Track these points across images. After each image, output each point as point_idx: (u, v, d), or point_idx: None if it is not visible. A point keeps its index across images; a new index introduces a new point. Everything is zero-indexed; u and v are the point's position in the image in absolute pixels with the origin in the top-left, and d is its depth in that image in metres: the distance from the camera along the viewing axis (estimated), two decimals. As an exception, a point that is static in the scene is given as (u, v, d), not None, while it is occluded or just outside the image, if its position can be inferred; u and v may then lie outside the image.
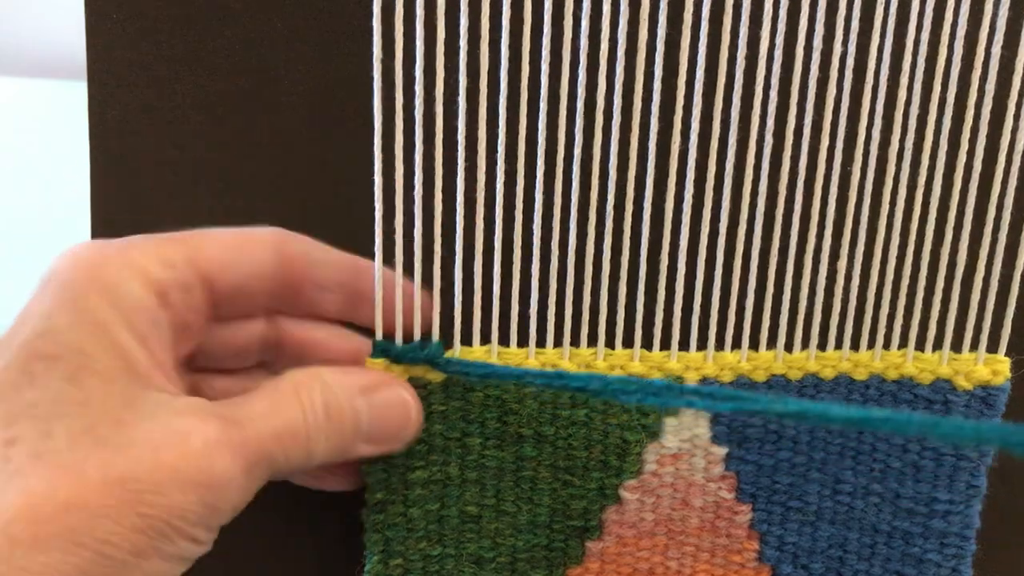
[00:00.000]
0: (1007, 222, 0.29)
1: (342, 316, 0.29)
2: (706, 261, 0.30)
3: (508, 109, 0.28)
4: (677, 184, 0.29)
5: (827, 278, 0.30)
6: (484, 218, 0.29)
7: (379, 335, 0.29)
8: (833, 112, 0.29)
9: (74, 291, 0.23)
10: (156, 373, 0.24)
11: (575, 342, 0.30)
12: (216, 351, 0.28)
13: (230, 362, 0.29)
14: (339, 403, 0.26)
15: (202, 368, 0.29)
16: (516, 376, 0.28)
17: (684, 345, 0.30)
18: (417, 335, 0.29)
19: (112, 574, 0.22)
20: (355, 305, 0.29)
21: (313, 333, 0.29)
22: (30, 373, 0.23)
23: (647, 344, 0.30)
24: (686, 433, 0.31)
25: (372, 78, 0.27)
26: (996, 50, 0.28)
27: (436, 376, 0.29)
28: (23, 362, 0.23)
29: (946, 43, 0.28)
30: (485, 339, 0.30)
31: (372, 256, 0.28)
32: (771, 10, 0.28)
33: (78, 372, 0.23)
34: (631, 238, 0.29)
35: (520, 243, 0.29)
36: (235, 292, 0.27)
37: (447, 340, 0.29)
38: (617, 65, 0.28)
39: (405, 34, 0.27)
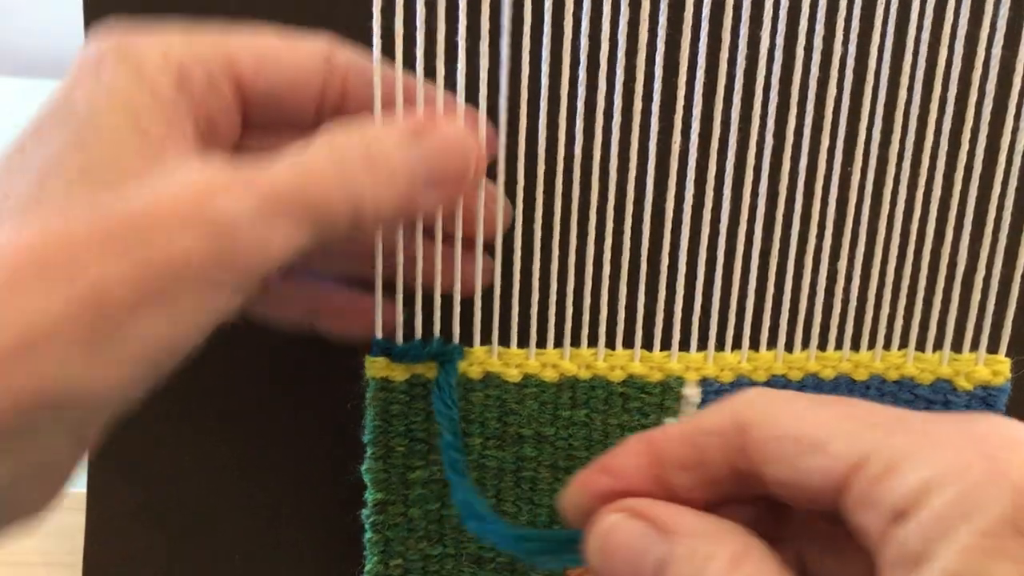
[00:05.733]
0: (1007, 222, 0.29)
1: None
2: (706, 261, 0.30)
3: (508, 109, 0.28)
4: (677, 184, 0.29)
5: (827, 278, 0.30)
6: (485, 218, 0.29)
7: (379, 333, 0.29)
8: (833, 112, 0.29)
9: (95, 64, 0.22)
10: (170, 144, 0.22)
11: (576, 342, 0.30)
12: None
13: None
14: (381, 146, 0.23)
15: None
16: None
17: (684, 345, 0.30)
18: (416, 330, 0.29)
19: (99, 324, 0.19)
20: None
21: None
22: (38, 138, 0.21)
23: (647, 344, 0.30)
24: (686, 433, 0.31)
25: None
26: (996, 50, 0.28)
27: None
28: (35, 129, 0.22)
29: (946, 43, 0.28)
30: (486, 339, 0.30)
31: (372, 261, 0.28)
32: (771, 10, 0.28)
33: (83, 128, 0.21)
34: (631, 238, 0.29)
35: (520, 243, 0.29)
36: (271, 98, 0.24)
37: (447, 339, 0.29)
38: (617, 65, 0.28)
39: (405, 34, 0.27)
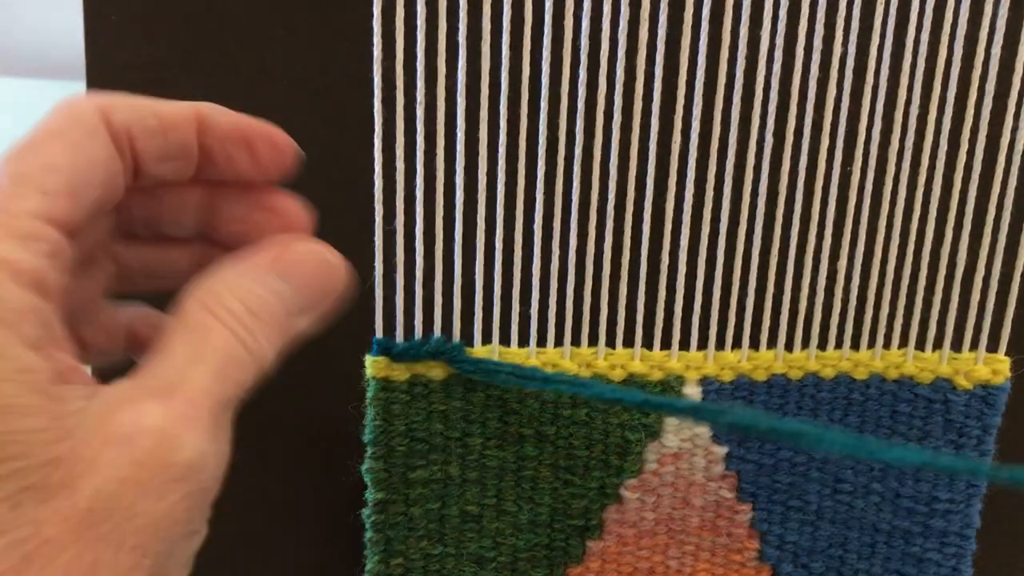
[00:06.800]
0: (1007, 222, 0.29)
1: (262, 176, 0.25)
2: (706, 261, 0.30)
3: (509, 109, 0.28)
4: (677, 184, 0.29)
5: (827, 278, 0.30)
6: (485, 218, 0.29)
7: (379, 332, 0.29)
8: (833, 112, 0.29)
9: None
10: (66, 377, 0.20)
11: (576, 341, 0.30)
12: (146, 221, 0.25)
13: (167, 229, 0.25)
14: (257, 294, 0.22)
15: (135, 236, 0.25)
16: (532, 379, 0.29)
17: (685, 344, 0.30)
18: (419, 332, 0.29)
19: None
20: (206, 169, 0.24)
21: (249, 212, 0.25)
22: None
23: (647, 344, 0.30)
24: (687, 432, 0.31)
25: (372, 78, 0.27)
26: (996, 50, 0.28)
27: (437, 374, 0.29)
28: None
29: (946, 43, 0.28)
30: (486, 339, 0.30)
31: (373, 260, 0.28)
32: (771, 10, 0.28)
33: None
34: (631, 238, 0.29)
35: (521, 242, 0.29)
36: (94, 210, 0.22)
37: (447, 339, 0.29)
38: (617, 65, 0.28)
39: (405, 34, 0.27)
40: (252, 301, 0.22)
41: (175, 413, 0.20)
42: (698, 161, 0.29)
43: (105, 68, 0.31)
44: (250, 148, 0.24)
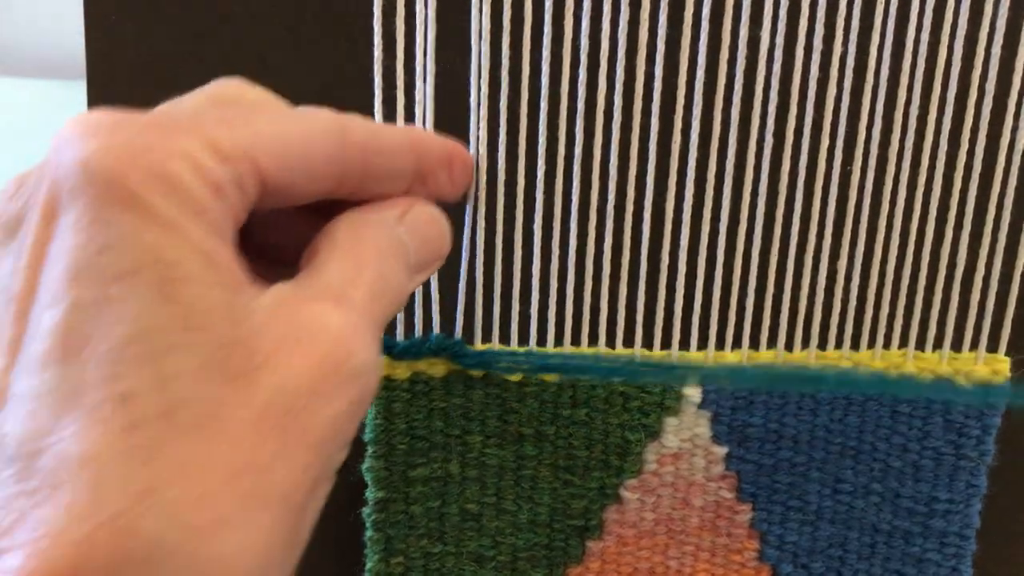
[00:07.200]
0: (1007, 221, 0.29)
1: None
2: (706, 261, 0.30)
3: (509, 109, 0.28)
4: (677, 184, 0.29)
5: (827, 278, 0.30)
6: (485, 217, 0.29)
7: None
8: (833, 112, 0.29)
9: (127, 187, 0.18)
10: (239, 271, 0.20)
11: (576, 341, 0.30)
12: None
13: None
14: (394, 237, 0.23)
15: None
16: (536, 362, 0.29)
17: (685, 345, 0.30)
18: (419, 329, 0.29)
19: (296, 523, 0.19)
20: (415, 189, 0.25)
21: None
22: (105, 300, 0.18)
23: (647, 344, 0.30)
24: (686, 432, 0.31)
25: (372, 78, 0.27)
26: (996, 50, 0.28)
27: (438, 371, 0.29)
28: (93, 286, 0.18)
29: (946, 43, 0.28)
30: (486, 337, 0.30)
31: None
32: (771, 10, 0.28)
33: (166, 285, 0.18)
34: (631, 238, 0.29)
35: (521, 242, 0.29)
36: (286, 191, 0.22)
37: (448, 338, 0.29)
38: (617, 65, 0.28)
39: (406, 34, 0.27)
40: (395, 242, 0.23)
41: (349, 319, 0.20)
42: (698, 161, 0.29)
43: (105, 68, 0.31)
44: (450, 169, 0.25)
